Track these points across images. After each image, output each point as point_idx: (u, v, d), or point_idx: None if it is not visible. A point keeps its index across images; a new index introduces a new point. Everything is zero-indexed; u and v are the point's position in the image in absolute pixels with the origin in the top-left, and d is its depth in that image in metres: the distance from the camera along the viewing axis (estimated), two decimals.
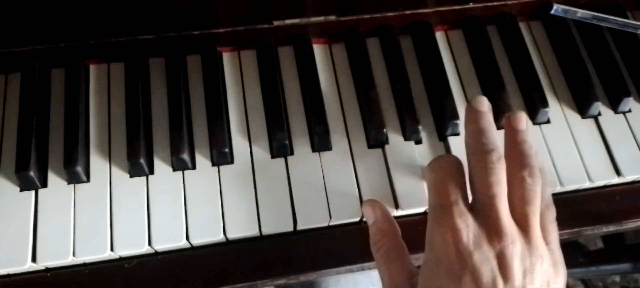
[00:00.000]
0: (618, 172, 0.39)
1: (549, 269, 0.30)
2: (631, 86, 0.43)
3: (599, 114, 0.42)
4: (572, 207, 0.39)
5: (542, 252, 0.30)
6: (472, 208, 0.31)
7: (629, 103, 0.42)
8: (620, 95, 0.41)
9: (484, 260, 0.29)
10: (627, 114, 0.42)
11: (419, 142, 0.40)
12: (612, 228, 0.41)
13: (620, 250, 0.87)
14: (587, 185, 0.39)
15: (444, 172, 0.31)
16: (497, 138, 0.32)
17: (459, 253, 0.29)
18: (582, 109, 0.42)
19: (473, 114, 0.34)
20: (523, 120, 0.33)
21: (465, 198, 0.31)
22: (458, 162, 0.32)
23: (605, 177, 0.39)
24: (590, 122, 0.42)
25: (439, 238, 0.30)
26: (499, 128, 0.38)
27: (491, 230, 0.29)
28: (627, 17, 0.45)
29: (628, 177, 0.40)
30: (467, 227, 0.29)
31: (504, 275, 0.29)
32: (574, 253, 0.88)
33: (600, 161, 0.40)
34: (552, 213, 0.33)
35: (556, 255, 0.31)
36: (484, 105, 0.34)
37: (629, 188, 0.40)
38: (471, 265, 0.29)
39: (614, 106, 0.42)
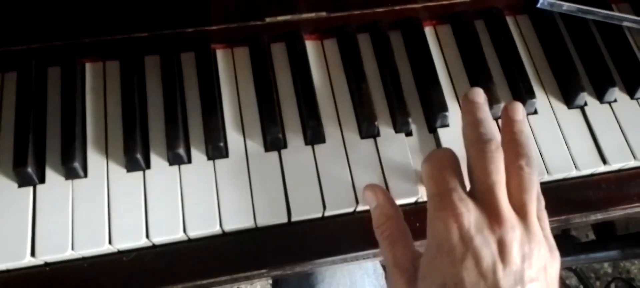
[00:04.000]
0: (604, 161, 0.40)
1: (546, 254, 0.31)
2: (616, 76, 0.44)
3: (585, 104, 0.43)
4: (560, 196, 0.40)
5: (539, 238, 0.31)
6: (471, 196, 0.31)
7: (614, 93, 0.43)
8: (606, 86, 0.42)
9: (485, 245, 0.29)
10: (613, 104, 0.43)
11: (409, 134, 0.41)
12: (599, 215, 0.42)
13: (611, 240, 0.88)
14: (574, 173, 0.40)
15: (440, 162, 0.32)
16: (494, 128, 0.33)
17: (461, 237, 0.30)
18: (569, 100, 0.43)
19: (470, 105, 0.34)
20: (520, 110, 0.34)
21: (463, 185, 0.32)
22: (453, 154, 0.33)
23: (591, 166, 0.40)
24: (576, 112, 0.43)
25: (440, 224, 0.30)
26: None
27: (491, 216, 0.30)
28: (611, 10, 0.47)
29: (614, 165, 0.41)
30: (469, 212, 0.30)
31: (504, 259, 0.29)
32: (565, 245, 0.89)
33: (586, 150, 0.41)
34: (542, 202, 0.33)
35: (551, 242, 0.32)
36: (480, 96, 0.35)
37: (615, 177, 0.41)
38: (472, 249, 0.29)
39: (600, 96, 0.43)
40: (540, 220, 0.32)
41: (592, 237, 1.07)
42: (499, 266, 0.29)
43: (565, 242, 0.92)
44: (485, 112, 0.34)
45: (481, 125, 0.33)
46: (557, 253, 0.32)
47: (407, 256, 0.33)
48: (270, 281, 0.76)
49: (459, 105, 0.42)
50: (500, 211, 0.30)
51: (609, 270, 1.11)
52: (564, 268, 1.06)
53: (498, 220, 0.30)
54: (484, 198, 0.31)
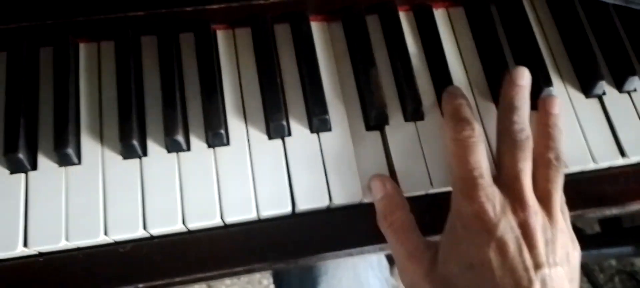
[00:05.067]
0: (622, 153, 0.39)
1: (568, 242, 0.32)
2: (636, 65, 0.42)
3: (604, 93, 0.41)
4: (576, 189, 0.38)
5: (562, 226, 0.32)
6: (496, 180, 0.32)
7: (634, 82, 0.41)
8: (625, 74, 0.40)
9: (509, 230, 0.30)
10: (632, 94, 0.41)
11: (420, 118, 0.39)
12: (615, 210, 0.40)
13: (618, 234, 0.87)
14: (591, 166, 0.38)
15: (466, 145, 0.32)
16: (528, 116, 0.34)
17: (486, 221, 0.30)
18: (586, 88, 0.41)
19: (511, 87, 0.35)
20: (556, 104, 0.36)
21: (488, 169, 0.32)
22: (480, 132, 0.33)
23: (609, 158, 0.39)
24: (594, 102, 0.41)
25: (466, 207, 0.31)
26: None
27: (515, 201, 0.31)
28: None
29: (633, 159, 0.39)
30: (494, 198, 0.31)
31: (529, 243, 0.30)
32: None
33: (604, 142, 0.39)
34: (563, 197, 0.34)
35: (571, 233, 0.33)
36: (524, 78, 0.35)
37: (633, 170, 0.40)
38: (498, 232, 0.30)
39: (619, 85, 0.41)
40: (562, 213, 0.33)
41: (597, 229, 1.06)
42: (524, 249, 0.30)
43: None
44: (523, 99, 0.35)
45: (516, 112, 0.34)
46: (577, 244, 0.33)
47: (421, 245, 0.33)
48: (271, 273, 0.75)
49: (472, 94, 0.40)
50: (524, 197, 0.31)
51: (613, 263, 1.10)
52: None
53: (522, 205, 0.31)
54: (509, 184, 0.32)
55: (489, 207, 0.31)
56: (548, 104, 0.36)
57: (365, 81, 0.39)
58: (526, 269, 0.29)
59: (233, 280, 1.00)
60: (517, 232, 0.30)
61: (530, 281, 0.29)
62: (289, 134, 0.38)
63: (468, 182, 0.32)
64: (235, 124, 0.38)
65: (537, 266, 0.30)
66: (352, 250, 0.37)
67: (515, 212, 0.31)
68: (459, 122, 0.33)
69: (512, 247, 0.30)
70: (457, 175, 0.33)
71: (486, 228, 0.30)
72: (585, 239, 0.86)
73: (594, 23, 0.43)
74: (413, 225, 0.34)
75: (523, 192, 0.31)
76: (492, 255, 0.30)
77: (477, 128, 0.33)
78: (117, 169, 0.36)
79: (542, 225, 0.31)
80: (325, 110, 0.38)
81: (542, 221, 0.31)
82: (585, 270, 1.04)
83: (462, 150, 0.32)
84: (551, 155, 0.33)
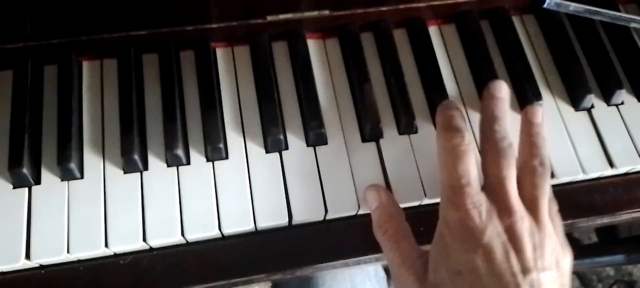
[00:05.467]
0: (611, 164, 0.40)
1: (557, 247, 0.32)
2: (624, 79, 0.43)
3: (592, 106, 0.42)
4: (567, 199, 0.39)
5: (550, 231, 0.32)
6: (483, 189, 0.33)
7: (622, 95, 0.42)
8: (613, 88, 0.42)
9: (495, 236, 0.30)
10: (620, 107, 0.42)
11: (414, 132, 0.40)
12: (606, 219, 0.41)
13: (614, 243, 0.88)
14: (581, 177, 0.39)
15: (455, 153, 0.33)
16: (509, 125, 0.35)
17: (473, 227, 0.31)
18: (575, 102, 0.42)
19: (490, 100, 0.36)
20: (539, 113, 0.36)
21: (476, 178, 0.32)
22: (468, 143, 0.33)
23: (599, 169, 0.40)
24: (583, 115, 0.42)
25: (453, 215, 0.31)
26: None
27: (502, 207, 0.31)
28: (619, 11, 0.46)
29: (621, 169, 0.40)
30: (481, 206, 0.31)
31: (516, 247, 0.30)
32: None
33: (593, 153, 0.40)
34: (555, 206, 0.34)
35: (562, 238, 0.33)
36: (502, 91, 0.36)
37: (622, 180, 0.41)
38: (485, 238, 0.30)
39: (607, 99, 0.42)
40: (552, 219, 0.33)
41: (594, 239, 1.06)
42: (512, 254, 0.30)
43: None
44: (503, 110, 0.35)
45: (497, 122, 0.34)
46: (568, 250, 0.33)
47: (414, 253, 0.34)
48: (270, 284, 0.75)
49: (464, 105, 0.41)
50: (509, 202, 0.31)
51: (611, 273, 1.10)
52: None
53: (508, 211, 0.31)
54: (495, 190, 0.32)
55: (475, 214, 0.31)
56: (530, 113, 0.36)
57: (360, 96, 0.40)
58: (513, 274, 0.30)
59: None
60: (504, 237, 0.30)
61: (517, 286, 0.29)
62: (286, 148, 0.39)
63: (455, 190, 0.32)
64: (233, 138, 0.39)
65: (525, 271, 0.30)
66: (349, 260, 0.38)
67: (501, 217, 0.31)
68: (449, 130, 0.34)
69: (499, 252, 0.30)
70: (445, 184, 0.33)
71: (473, 235, 0.31)
72: (581, 249, 0.87)
73: (582, 39, 0.45)
74: (407, 233, 0.35)
75: (509, 198, 0.32)
76: (480, 261, 0.30)
77: (468, 136, 0.33)
78: (119, 183, 0.37)
79: (529, 230, 0.31)
80: (321, 124, 0.39)
81: (529, 226, 0.31)
82: (583, 280, 1.04)
83: (450, 158, 0.33)
84: (536, 162, 0.33)
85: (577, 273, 1.06)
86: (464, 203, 0.31)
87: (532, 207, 0.32)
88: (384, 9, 0.42)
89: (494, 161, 0.33)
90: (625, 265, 1.06)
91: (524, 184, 0.33)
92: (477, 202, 0.31)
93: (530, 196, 0.32)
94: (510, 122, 0.35)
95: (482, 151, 0.34)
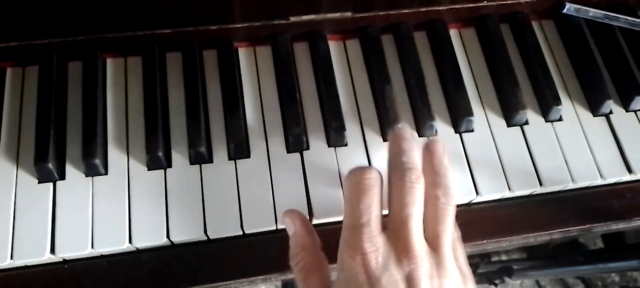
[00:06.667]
0: (629, 170, 0.40)
1: (457, 284, 0.31)
2: None
3: (611, 112, 0.42)
4: (584, 204, 0.40)
5: (451, 271, 0.31)
6: (386, 227, 0.31)
7: None
8: (632, 94, 0.42)
9: (392, 283, 0.29)
10: (639, 113, 0.42)
11: (434, 134, 0.40)
12: (621, 225, 0.41)
13: (621, 249, 0.88)
14: (598, 182, 0.40)
15: (359, 188, 0.31)
16: (418, 160, 0.33)
17: (367, 276, 0.29)
18: (594, 107, 0.42)
19: (395, 137, 0.34)
20: (440, 145, 0.34)
21: (378, 217, 0.31)
22: (376, 177, 0.32)
23: (616, 174, 0.40)
24: (601, 120, 0.42)
25: (348, 260, 0.30)
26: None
27: (401, 250, 0.30)
28: (638, 17, 0.46)
29: (639, 175, 0.40)
30: (377, 251, 0.30)
31: None
32: (574, 253, 0.89)
33: (611, 158, 0.40)
34: (457, 232, 0.34)
35: (465, 271, 0.32)
36: (407, 132, 0.34)
37: (639, 186, 0.41)
38: None
39: (626, 104, 0.43)
40: (454, 251, 0.32)
41: (600, 244, 1.06)
42: None
43: (573, 250, 0.91)
44: (410, 144, 0.33)
45: (404, 154, 0.33)
46: (470, 278, 0.32)
47: None
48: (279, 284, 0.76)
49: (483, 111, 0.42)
50: (410, 245, 0.30)
51: (616, 279, 1.10)
52: (573, 276, 1.06)
53: (407, 254, 0.30)
54: (396, 230, 0.31)
55: (371, 259, 0.29)
56: (431, 146, 0.34)
57: (381, 98, 0.40)
58: None
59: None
60: (402, 286, 0.29)
61: None
62: (308, 148, 0.39)
63: (354, 230, 0.30)
64: (255, 138, 0.39)
65: None
66: None
67: (400, 264, 0.29)
68: (361, 167, 0.32)
69: None
70: (345, 223, 0.31)
71: (367, 285, 0.29)
72: (587, 254, 0.87)
73: (601, 44, 0.45)
74: (318, 266, 0.33)
75: (409, 241, 0.30)
76: None
77: (375, 171, 0.32)
78: (142, 180, 0.37)
79: (429, 275, 0.29)
80: (342, 125, 0.39)
81: (429, 271, 0.30)
82: (588, 285, 1.04)
83: (354, 193, 0.31)
84: (439, 192, 0.32)
85: (582, 279, 1.06)
86: (361, 247, 0.29)
87: (434, 244, 0.31)
88: (405, 11, 0.43)
89: (399, 197, 0.31)
90: (631, 271, 1.06)
91: (428, 218, 0.32)
92: (375, 245, 0.30)
93: (433, 232, 0.31)
94: (419, 157, 0.34)
95: (389, 183, 0.33)
